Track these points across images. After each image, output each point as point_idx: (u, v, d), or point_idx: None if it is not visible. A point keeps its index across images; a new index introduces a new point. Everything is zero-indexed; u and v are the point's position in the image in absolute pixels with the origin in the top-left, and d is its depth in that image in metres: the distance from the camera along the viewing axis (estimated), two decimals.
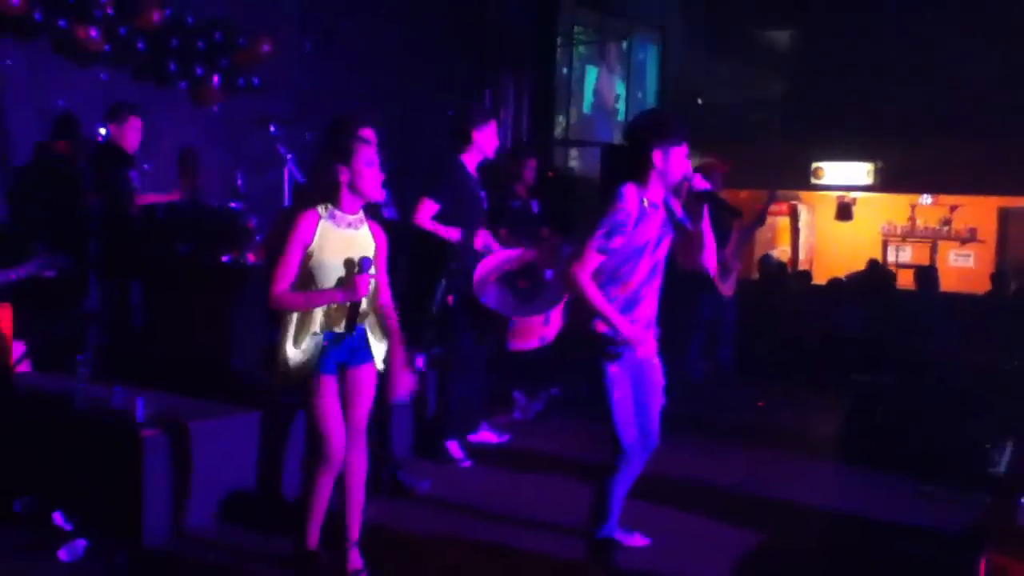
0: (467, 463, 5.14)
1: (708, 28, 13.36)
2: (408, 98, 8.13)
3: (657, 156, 3.49)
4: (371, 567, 3.57)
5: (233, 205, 5.27)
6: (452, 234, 4.92)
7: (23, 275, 4.50)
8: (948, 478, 5.09)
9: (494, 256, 5.11)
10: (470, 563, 3.88)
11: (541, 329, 5.05)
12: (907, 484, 5.12)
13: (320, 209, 3.29)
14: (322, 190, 3.31)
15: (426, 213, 4.88)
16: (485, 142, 5.08)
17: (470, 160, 5.09)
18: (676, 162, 3.53)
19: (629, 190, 3.51)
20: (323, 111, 5.89)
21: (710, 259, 3.70)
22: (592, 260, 3.47)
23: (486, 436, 5.50)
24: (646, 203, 3.53)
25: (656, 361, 3.72)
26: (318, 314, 3.28)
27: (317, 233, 3.26)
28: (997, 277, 9.45)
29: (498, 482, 4.94)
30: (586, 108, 12.42)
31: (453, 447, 5.16)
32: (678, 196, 3.64)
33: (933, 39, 12.30)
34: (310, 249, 3.24)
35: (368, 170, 3.31)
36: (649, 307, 3.62)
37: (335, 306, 3.29)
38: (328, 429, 3.32)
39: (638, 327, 3.54)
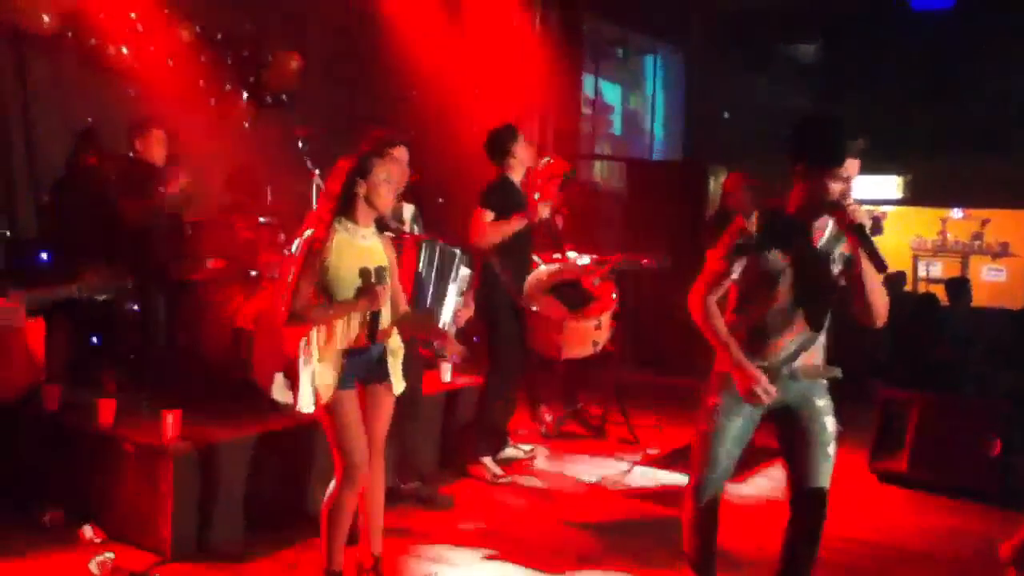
0: (504, 478, 5.13)
1: (733, 42, 13.31)
2: (441, 114, 8.16)
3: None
4: None
5: (261, 220, 5.33)
6: (514, 224, 4.99)
7: (69, 295, 4.59)
8: (981, 497, 5.02)
9: (541, 270, 5.18)
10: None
11: (594, 334, 5.10)
12: (939, 499, 5.06)
13: (336, 224, 3.30)
14: (337, 202, 3.31)
15: (483, 222, 4.96)
16: (523, 156, 5.18)
17: (515, 175, 5.15)
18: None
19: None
20: (352, 128, 5.94)
21: None
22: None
23: (511, 451, 5.48)
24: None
25: None
26: (339, 330, 3.28)
27: (333, 246, 3.27)
28: None
29: (525, 498, 4.91)
30: (618, 129, 12.42)
31: (488, 462, 5.16)
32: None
33: (962, 52, 12.19)
34: (327, 263, 3.25)
35: (384, 185, 3.33)
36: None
37: (354, 321, 3.29)
38: (351, 445, 3.32)
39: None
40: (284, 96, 7.30)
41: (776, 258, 3.14)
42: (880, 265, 3.01)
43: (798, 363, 3.19)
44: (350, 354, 3.29)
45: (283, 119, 6.89)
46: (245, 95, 7.06)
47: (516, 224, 5.01)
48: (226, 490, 3.98)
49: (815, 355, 3.23)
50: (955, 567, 4.19)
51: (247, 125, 7.05)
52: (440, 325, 4.26)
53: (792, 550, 3.28)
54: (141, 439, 3.95)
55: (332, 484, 3.37)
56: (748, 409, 3.22)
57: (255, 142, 6.70)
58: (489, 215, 4.99)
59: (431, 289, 4.19)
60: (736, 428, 3.25)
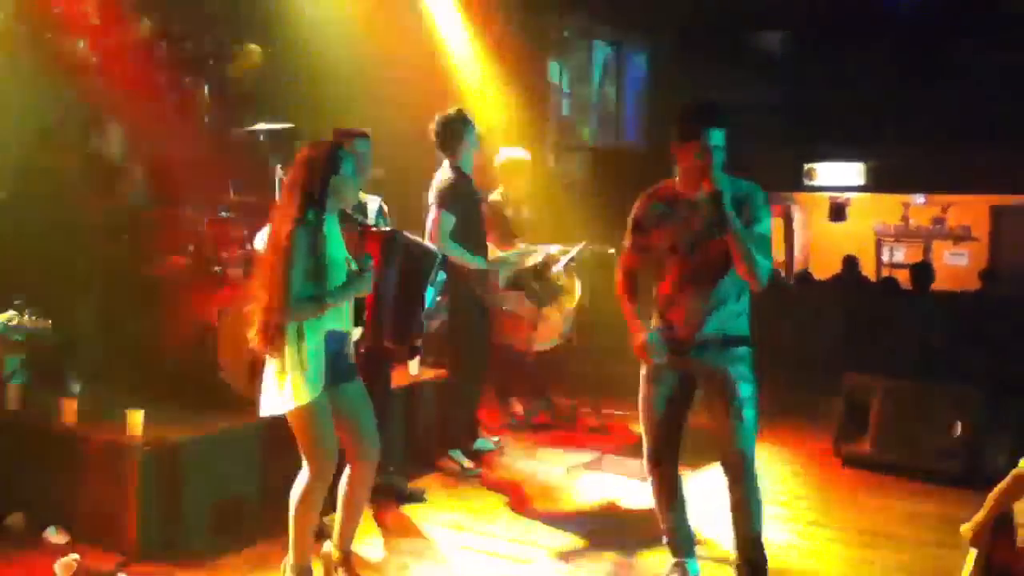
0: (475, 471, 5.13)
1: (699, 32, 13.36)
2: (400, 108, 8.10)
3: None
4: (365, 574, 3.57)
5: (224, 215, 5.27)
6: (474, 263, 5.00)
7: None
8: (944, 479, 5.11)
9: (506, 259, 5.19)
10: (471, 572, 3.85)
11: (559, 325, 5.10)
12: (902, 482, 5.15)
13: (310, 215, 3.27)
14: (307, 194, 3.27)
15: (444, 228, 4.91)
16: (472, 143, 5.12)
17: (464, 164, 5.10)
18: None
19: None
20: (315, 123, 5.88)
21: None
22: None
23: (481, 444, 5.48)
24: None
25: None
26: (319, 325, 3.25)
27: (318, 238, 3.24)
28: (986, 275, 9.46)
29: (496, 490, 4.92)
30: (565, 111, 12.40)
31: (458, 455, 5.16)
32: None
33: (925, 41, 12.33)
34: (320, 252, 3.22)
35: (351, 179, 3.35)
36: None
37: (333, 315, 3.27)
38: (323, 450, 3.29)
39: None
40: (245, 89, 7.22)
41: (666, 233, 3.44)
42: (723, 229, 3.28)
43: (708, 331, 3.41)
44: (328, 345, 3.26)
45: (244, 112, 6.81)
46: (206, 88, 6.97)
47: (471, 263, 4.98)
48: (192, 488, 3.95)
49: (727, 323, 3.44)
50: (918, 547, 4.26)
51: (207, 119, 6.96)
52: (409, 324, 4.19)
53: (733, 511, 3.52)
54: (105, 438, 3.90)
55: (301, 479, 3.34)
56: (668, 374, 3.49)
57: (216, 136, 6.62)
58: (451, 220, 4.93)
59: (394, 289, 4.11)
60: (664, 391, 3.52)
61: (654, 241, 3.48)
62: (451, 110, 5.15)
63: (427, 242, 4.50)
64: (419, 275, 4.11)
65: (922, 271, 8.92)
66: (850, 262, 10.71)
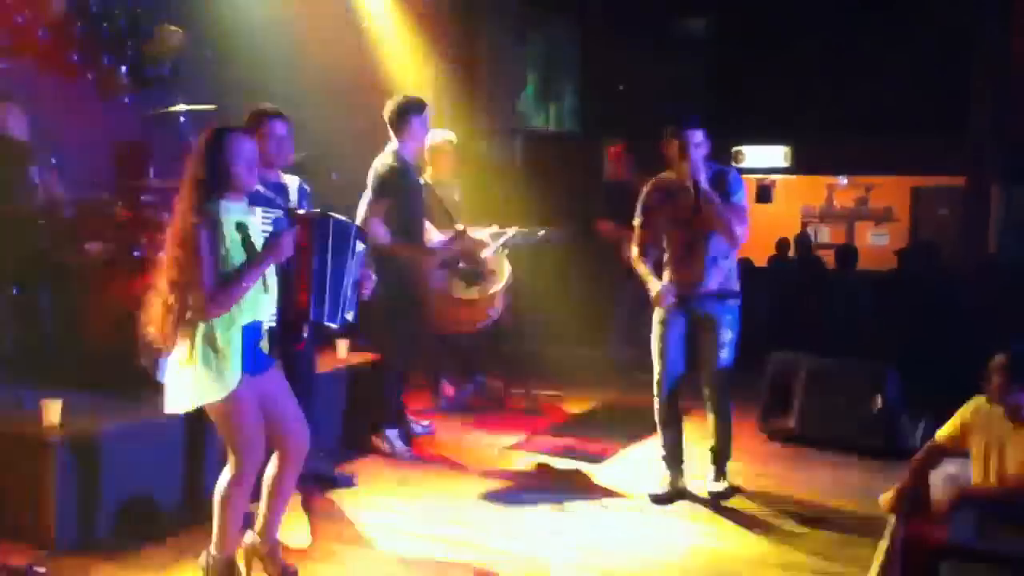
0: (406, 453, 5.10)
1: (628, 17, 13.44)
2: (325, 89, 7.98)
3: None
4: (299, 565, 3.52)
5: (144, 198, 5.14)
6: (406, 251, 4.98)
7: None
8: (864, 452, 5.25)
9: (437, 244, 5.12)
10: (402, 555, 3.83)
11: (489, 307, 5.09)
12: (825, 456, 5.29)
13: (209, 204, 3.14)
14: (202, 183, 3.14)
15: (374, 214, 4.88)
16: (420, 130, 5.08)
17: (407, 150, 5.06)
18: None
19: None
20: (236, 103, 5.75)
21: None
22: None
23: (412, 427, 5.45)
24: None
25: None
26: (238, 311, 3.16)
27: (224, 221, 3.15)
28: (902, 254, 9.72)
29: (427, 472, 4.90)
30: (497, 94, 12.35)
31: (391, 436, 5.12)
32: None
33: (848, 27, 12.59)
34: (222, 239, 3.12)
35: (241, 162, 3.17)
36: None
37: (251, 297, 3.19)
38: (248, 444, 3.21)
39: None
40: (167, 71, 7.03)
41: (666, 212, 4.46)
42: (705, 206, 4.29)
43: (707, 285, 4.42)
44: (246, 335, 3.17)
45: (166, 94, 6.63)
46: (124, 69, 6.77)
47: (412, 253, 4.99)
48: (112, 479, 3.84)
49: (719, 278, 4.44)
50: (840, 517, 4.37)
51: (127, 100, 6.77)
52: (343, 302, 4.14)
53: (711, 414, 4.59)
54: (21, 429, 3.78)
55: (227, 472, 3.27)
56: (674, 318, 4.47)
57: (136, 118, 6.44)
58: (382, 205, 4.90)
59: (329, 268, 4.06)
60: (673, 331, 4.48)
61: (658, 219, 4.48)
62: (405, 95, 5.14)
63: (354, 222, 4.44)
64: (346, 253, 4.09)
65: (845, 253, 9.15)
66: (782, 244, 10.98)
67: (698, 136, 4.34)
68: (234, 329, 3.14)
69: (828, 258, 10.30)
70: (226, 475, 3.27)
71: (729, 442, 4.65)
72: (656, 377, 4.54)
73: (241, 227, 3.19)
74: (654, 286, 4.44)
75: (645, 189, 4.59)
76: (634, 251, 4.59)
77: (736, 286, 4.51)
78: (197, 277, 3.05)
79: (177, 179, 3.55)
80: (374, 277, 4.47)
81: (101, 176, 5.77)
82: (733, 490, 4.61)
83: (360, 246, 4.41)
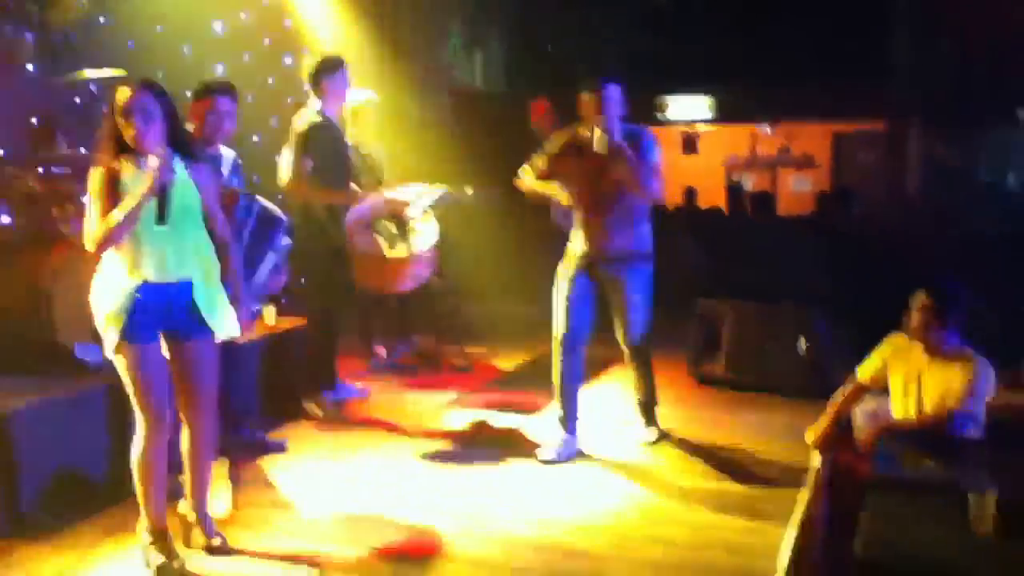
0: (338, 415, 5.07)
1: None
2: (238, 52, 7.77)
3: None
4: (229, 533, 3.49)
5: (56, 170, 4.96)
6: (337, 198, 4.91)
7: None
8: (791, 393, 5.38)
9: (361, 206, 5.05)
10: (336, 517, 3.82)
11: (412, 270, 5.05)
12: (754, 398, 5.42)
13: (121, 160, 3.12)
14: (105, 142, 3.14)
15: (298, 171, 4.79)
16: (341, 89, 4.99)
17: (329, 110, 4.96)
18: None
19: None
20: (149, 71, 5.57)
21: None
22: None
23: (344, 390, 5.42)
24: None
25: None
26: (124, 262, 3.11)
27: (126, 178, 3.09)
28: (821, 198, 9.92)
29: (359, 433, 4.88)
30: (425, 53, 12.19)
31: (321, 399, 5.09)
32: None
33: None
34: (125, 185, 3.07)
35: (126, 119, 3.09)
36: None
37: (140, 248, 3.11)
38: (146, 401, 3.16)
39: None
40: (73, 37, 6.76)
41: (574, 167, 4.34)
42: (616, 160, 4.21)
43: (613, 246, 4.36)
44: (144, 292, 3.10)
45: (74, 61, 6.38)
46: (27, 36, 6.48)
47: (339, 199, 4.92)
48: (32, 459, 3.72)
49: (627, 240, 4.37)
50: (770, 455, 4.51)
51: (32, 69, 6.49)
52: (252, 291, 4.08)
53: (633, 374, 4.68)
54: None
55: (137, 437, 3.22)
56: (580, 277, 4.40)
57: (43, 87, 6.19)
58: (308, 163, 4.82)
59: (243, 250, 3.99)
60: (577, 290, 4.41)
61: (562, 171, 4.39)
62: (324, 54, 5.05)
63: (274, 205, 4.36)
64: (267, 241, 4.08)
65: (762, 200, 9.33)
66: (689, 193, 11.24)
67: (614, 93, 4.27)
68: (135, 280, 3.10)
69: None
70: (136, 441, 3.22)
71: (653, 393, 4.71)
72: (558, 336, 4.46)
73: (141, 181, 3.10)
74: (562, 194, 4.41)
75: (557, 139, 4.49)
76: (526, 176, 4.52)
77: (647, 247, 4.44)
78: (90, 221, 3.07)
79: (88, 149, 3.47)
80: (284, 279, 4.46)
81: (9, 148, 5.54)
82: (663, 435, 4.71)
83: (285, 240, 4.35)
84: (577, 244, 4.44)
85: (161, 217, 3.08)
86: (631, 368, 4.63)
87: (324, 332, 5.12)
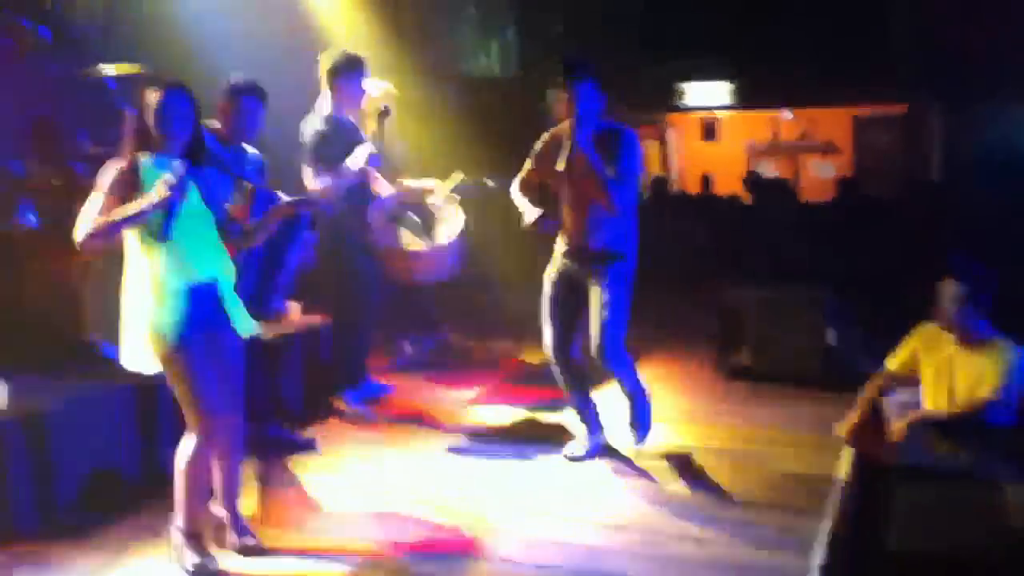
0: (368, 413, 5.05)
1: None
2: (257, 47, 7.75)
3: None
4: (262, 533, 3.49)
5: (77, 167, 4.96)
6: (348, 177, 4.77)
7: None
8: (818, 384, 5.33)
9: (385, 199, 5.01)
10: (366, 516, 3.82)
11: (439, 261, 5.03)
12: (781, 388, 5.36)
13: (139, 158, 3.11)
14: (132, 137, 3.15)
15: (316, 182, 4.72)
16: (357, 92, 4.89)
17: (340, 111, 4.86)
18: None
19: None
20: (168, 63, 5.56)
21: None
22: None
23: (372, 387, 5.40)
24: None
25: None
26: (176, 267, 3.09)
27: (145, 173, 3.08)
28: (841, 183, 9.86)
29: (389, 431, 4.88)
30: (436, 41, 12.13)
31: (350, 398, 5.08)
32: None
33: None
34: (142, 185, 3.05)
35: (179, 120, 3.11)
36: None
37: (194, 255, 3.10)
38: (204, 397, 3.15)
39: None
40: (94, 31, 6.77)
41: (558, 163, 4.02)
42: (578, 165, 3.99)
43: (592, 245, 4.13)
44: (193, 292, 3.11)
45: (92, 57, 6.39)
46: (47, 31, 6.49)
47: (350, 169, 4.78)
48: (65, 459, 3.74)
49: (604, 238, 4.11)
50: (798, 449, 4.45)
51: (52, 65, 6.50)
52: (275, 292, 4.08)
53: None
54: None
55: (187, 440, 3.21)
56: (559, 276, 4.25)
57: (62, 83, 6.20)
58: (326, 178, 4.73)
59: (268, 253, 3.98)
60: (555, 290, 4.27)
61: (550, 170, 4.09)
62: (344, 51, 4.91)
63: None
64: (289, 238, 4.08)
65: (778, 186, 9.27)
66: (705, 180, 11.17)
67: (584, 88, 3.93)
68: (182, 281, 3.09)
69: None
70: (187, 443, 3.21)
71: (644, 412, 4.36)
72: (546, 341, 4.32)
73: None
74: (529, 212, 4.17)
75: (543, 138, 4.29)
76: (515, 183, 4.36)
77: (625, 247, 4.16)
78: (88, 211, 3.05)
79: (108, 144, 3.47)
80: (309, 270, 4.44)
81: (28, 144, 5.55)
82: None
83: (309, 234, 4.33)
84: (560, 243, 4.27)
85: (164, 233, 3.03)
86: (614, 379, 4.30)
87: (350, 329, 5.09)
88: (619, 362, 4.16)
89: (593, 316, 4.11)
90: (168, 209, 3.01)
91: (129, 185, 3.05)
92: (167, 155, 3.09)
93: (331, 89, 4.85)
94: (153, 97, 3.08)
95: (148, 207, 2.99)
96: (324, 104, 4.88)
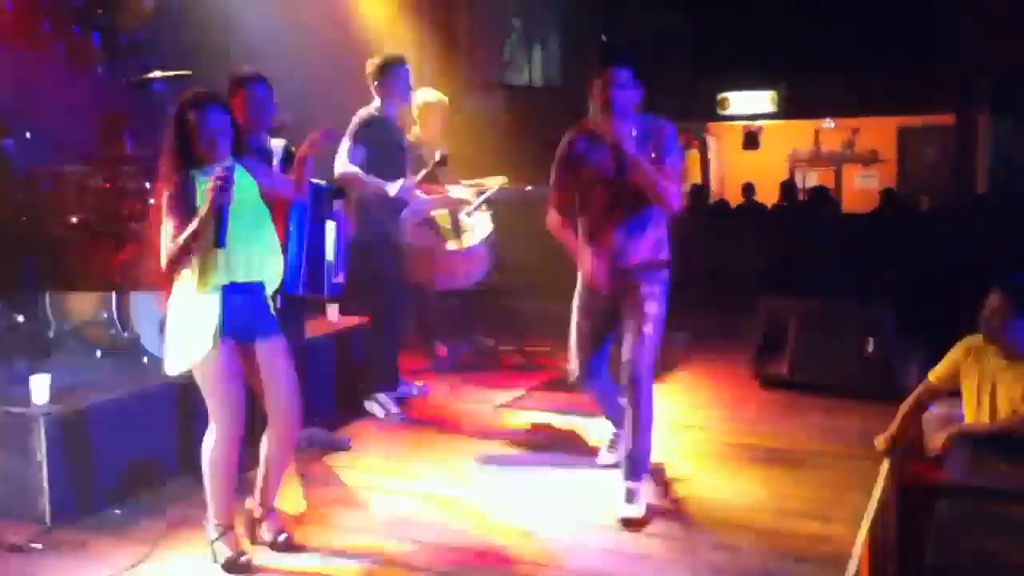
0: (400, 415, 5.09)
1: None
2: (306, 51, 7.85)
3: None
4: (294, 530, 3.52)
5: (122, 169, 5.06)
6: (376, 186, 4.88)
7: None
8: (858, 395, 5.26)
9: (418, 201, 5.06)
10: (398, 518, 3.84)
11: (467, 266, 5.05)
12: (819, 400, 5.30)
13: (187, 173, 3.16)
14: (175, 153, 3.17)
15: (351, 159, 4.84)
16: (402, 87, 5.03)
17: (390, 109, 5.02)
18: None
19: None
20: (216, 69, 5.65)
21: None
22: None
23: (405, 389, 5.44)
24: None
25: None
26: (213, 267, 3.14)
27: (199, 193, 3.13)
28: (885, 194, 9.73)
29: (422, 433, 4.90)
30: (503, 52, 12.23)
31: (384, 400, 5.11)
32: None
33: None
34: (196, 202, 3.11)
35: (203, 131, 3.13)
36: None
37: (225, 257, 3.14)
38: (227, 405, 3.20)
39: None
40: (139, 37, 6.90)
41: (589, 168, 3.68)
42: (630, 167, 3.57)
43: (631, 256, 3.70)
44: (228, 291, 3.16)
45: (140, 61, 6.51)
46: (96, 37, 6.63)
47: (375, 186, 4.89)
48: (105, 452, 3.83)
49: (645, 250, 3.72)
50: (837, 460, 4.38)
51: (100, 70, 6.64)
52: (325, 269, 4.12)
53: (628, 417, 3.75)
54: (11, 406, 3.75)
55: (208, 438, 3.27)
56: (596, 302, 3.80)
57: (111, 87, 6.32)
58: (360, 152, 4.85)
59: (306, 236, 4.03)
60: (593, 319, 3.85)
61: (580, 177, 3.73)
62: (386, 53, 5.11)
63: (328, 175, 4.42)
64: (324, 218, 4.12)
65: (818, 195, 9.17)
66: (747, 189, 11.08)
67: (623, 75, 3.54)
68: (208, 289, 3.13)
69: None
70: (208, 440, 3.27)
71: (645, 448, 3.80)
72: (574, 370, 3.97)
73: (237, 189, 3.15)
74: (582, 256, 3.74)
75: (564, 140, 3.82)
76: (553, 216, 3.84)
77: (666, 255, 3.80)
78: (163, 240, 3.12)
79: (155, 147, 3.53)
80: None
81: (77, 147, 5.67)
82: (646, 520, 3.68)
83: (337, 204, 4.36)
84: (590, 259, 3.77)
85: (217, 240, 3.09)
86: (627, 402, 3.76)
87: (383, 330, 5.14)
88: (647, 386, 3.72)
89: (631, 331, 3.70)
90: (220, 214, 3.06)
91: (184, 204, 3.11)
92: (213, 167, 3.13)
93: (379, 90, 5.01)
94: (193, 115, 3.13)
95: (206, 219, 3.06)
96: (375, 102, 5.04)
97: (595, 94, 3.59)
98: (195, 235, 3.07)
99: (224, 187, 3.04)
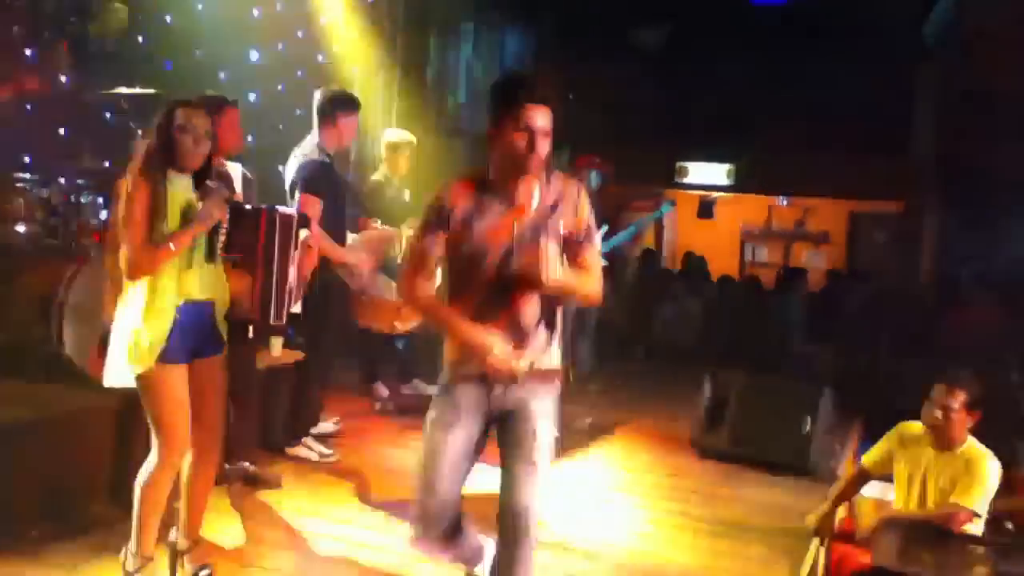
0: (331, 456, 4.99)
1: (580, 25, 13.48)
2: (269, 78, 7.85)
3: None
4: (217, 563, 3.43)
5: (80, 182, 5.00)
6: (338, 255, 4.78)
7: None
8: (791, 469, 5.32)
9: (374, 245, 5.03)
10: (325, 558, 3.76)
11: (394, 315, 4.98)
12: (755, 474, 5.34)
13: (156, 173, 3.10)
14: (151, 153, 3.12)
15: (314, 214, 4.60)
16: (347, 130, 4.92)
17: (328, 144, 4.86)
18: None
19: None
20: (182, 87, 5.62)
21: None
22: None
23: (323, 427, 5.33)
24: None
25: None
26: (170, 283, 3.09)
27: (169, 190, 3.08)
28: (832, 275, 9.93)
29: (353, 475, 4.83)
30: (463, 98, 12.34)
31: (311, 442, 5.01)
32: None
33: (792, 47, 12.80)
34: (167, 203, 3.05)
35: (185, 134, 3.11)
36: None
37: (187, 269, 3.10)
38: (173, 422, 3.12)
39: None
40: (110, 48, 6.83)
41: (479, 232, 2.67)
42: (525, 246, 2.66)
43: (526, 351, 2.72)
44: (183, 312, 3.10)
45: (110, 72, 6.45)
46: (65, 47, 6.56)
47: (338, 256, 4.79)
48: (23, 472, 3.67)
49: (538, 351, 2.77)
50: (768, 536, 4.41)
51: (65, 81, 6.56)
52: (288, 298, 4.07)
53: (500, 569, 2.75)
54: None
55: (149, 462, 3.17)
56: (458, 416, 2.77)
57: (75, 100, 6.25)
58: (318, 205, 4.66)
59: (275, 265, 3.99)
60: (453, 437, 2.76)
61: (456, 246, 2.71)
62: (341, 88, 4.98)
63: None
64: (290, 246, 4.04)
65: (794, 276, 9.32)
66: (688, 258, 11.13)
67: (542, 118, 2.63)
68: (162, 305, 3.07)
69: (766, 277, 10.47)
70: (148, 465, 3.18)
71: None
72: (415, 509, 2.82)
73: (182, 200, 3.12)
74: (477, 338, 2.66)
75: (439, 192, 2.77)
76: (422, 291, 2.78)
77: (558, 362, 2.87)
78: (129, 236, 3.02)
79: (114, 163, 3.49)
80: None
81: (34, 158, 5.58)
82: None
83: (304, 233, 4.31)
84: (456, 358, 2.80)
85: (211, 254, 3.10)
86: (505, 554, 2.73)
87: (315, 372, 5.00)
88: (535, 537, 2.74)
89: (519, 458, 2.75)
90: (213, 231, 3.07)
91: (155, 204, 3.05)
92: (186, 172, 3.13)
93: (326, 123, 4.84)
94: (183, 118, 3.10)
95: (199, 235, 3.06)
96: (312, 138, 4.86)
97: (500, 138, 2.67)
98: (180, 247, 3.04)
99: (221, 205, 3.07)
